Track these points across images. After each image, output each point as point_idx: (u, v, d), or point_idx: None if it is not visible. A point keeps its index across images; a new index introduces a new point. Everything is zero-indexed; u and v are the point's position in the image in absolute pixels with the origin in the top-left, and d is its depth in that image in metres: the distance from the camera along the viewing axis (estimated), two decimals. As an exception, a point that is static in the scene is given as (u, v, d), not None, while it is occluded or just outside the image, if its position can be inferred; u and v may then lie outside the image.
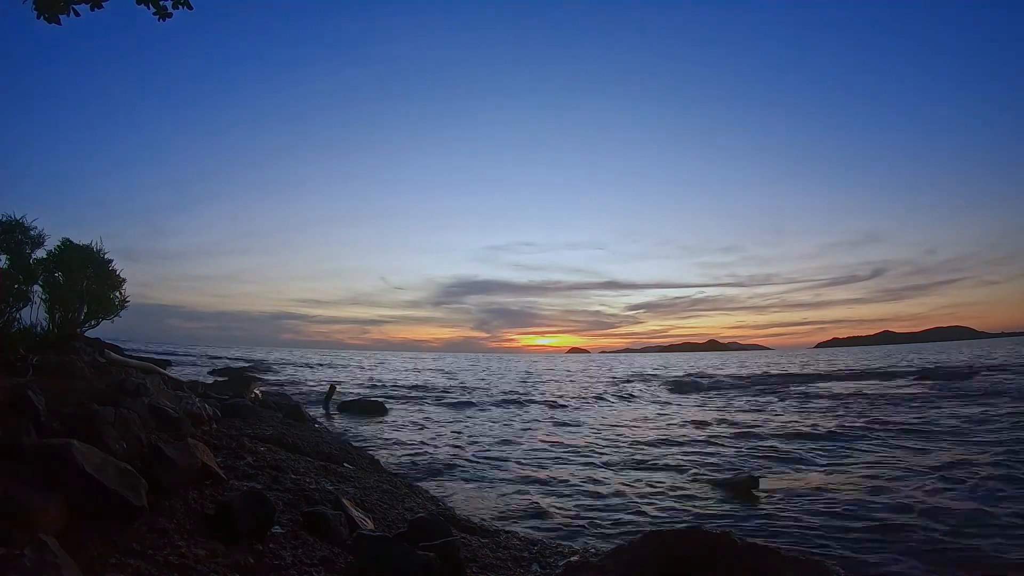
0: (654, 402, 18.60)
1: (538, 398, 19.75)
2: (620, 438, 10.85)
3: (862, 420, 12.36)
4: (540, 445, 10.13)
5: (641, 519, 5.82)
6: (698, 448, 9.71)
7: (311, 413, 12.21)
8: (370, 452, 8.41)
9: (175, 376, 10.59)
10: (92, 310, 7.18)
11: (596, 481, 7.41)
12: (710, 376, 32.42)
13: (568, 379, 32.09)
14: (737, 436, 10.80)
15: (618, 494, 6.79)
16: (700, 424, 12.80)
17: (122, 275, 7.52)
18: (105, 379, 5.37)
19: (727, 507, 6.20)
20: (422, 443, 10.10)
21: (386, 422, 12.91)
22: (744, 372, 35.34)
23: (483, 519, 5.52)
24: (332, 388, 16.93)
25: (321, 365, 41.37)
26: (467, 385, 25.56)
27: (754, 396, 19.55)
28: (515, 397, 19.75)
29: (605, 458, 8.89)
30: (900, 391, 18.70)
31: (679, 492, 6.88)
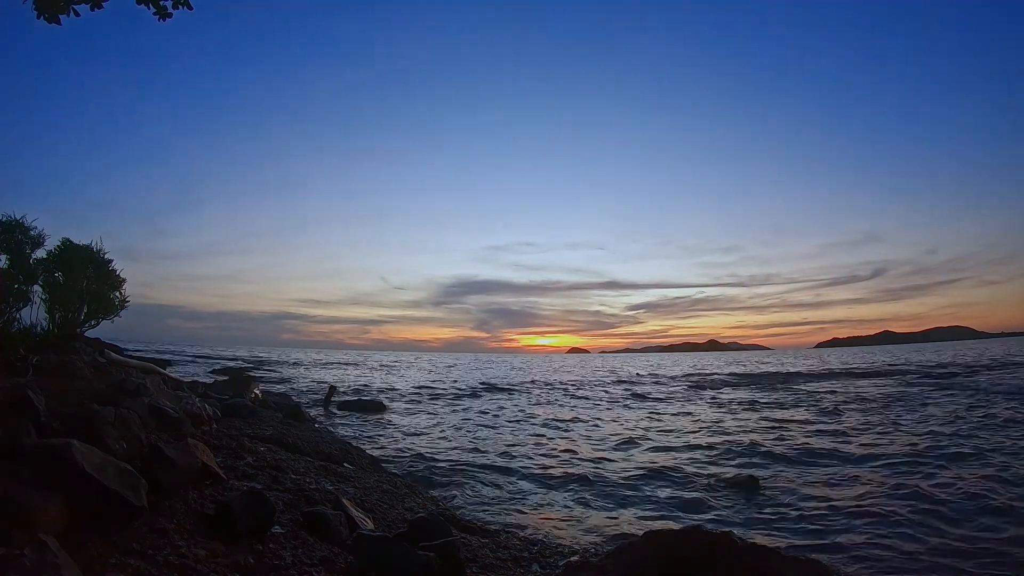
0: (655, 401, 18.59)
1: (537, 396, 19.77)
2: (620, 438, 10.85)
3: (863, 420, 12.36)
4: (540, 445, 10.13)
5: (641, 519, 5.82)
6: (698, 447, 9.71)
7: (311, 413, 12.22)
8: (370, 452, 8.41)
9: (175, 376, 10.59)
10: (92, 310, 7.18)
11: (597, 481, 7.41)
12: (710, 375, 32.44)
13: (568, 377, 32.11)
14: (737, 436, 10.80)
15: (618, 493, 6.79)
16: (699, 423, 12.80)
17: (122, 275, 7.52)
18: (105, 379, 5.37)
19: (727, 507, 6.20)
20: (422, 442, 10.09)
21: (386, 421, 12.92)
22: (744, 371, 35.35)
23: (483, 519, 5.52)
24: (332, 388, 16.94)
25: (321, 365, 41.38)
26: (467, 384, 25.57)
27: (754, 396, 19.55)
28: (516, 397, 19.76)
29: (606, 458, 8.89)
30: (900, 390, 18.69)
31: (679, 492, 6.88)
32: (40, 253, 6.78)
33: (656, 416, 14.61)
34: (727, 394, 20.84)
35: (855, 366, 36.35)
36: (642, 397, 20.35)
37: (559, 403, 18.08)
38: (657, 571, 2.89)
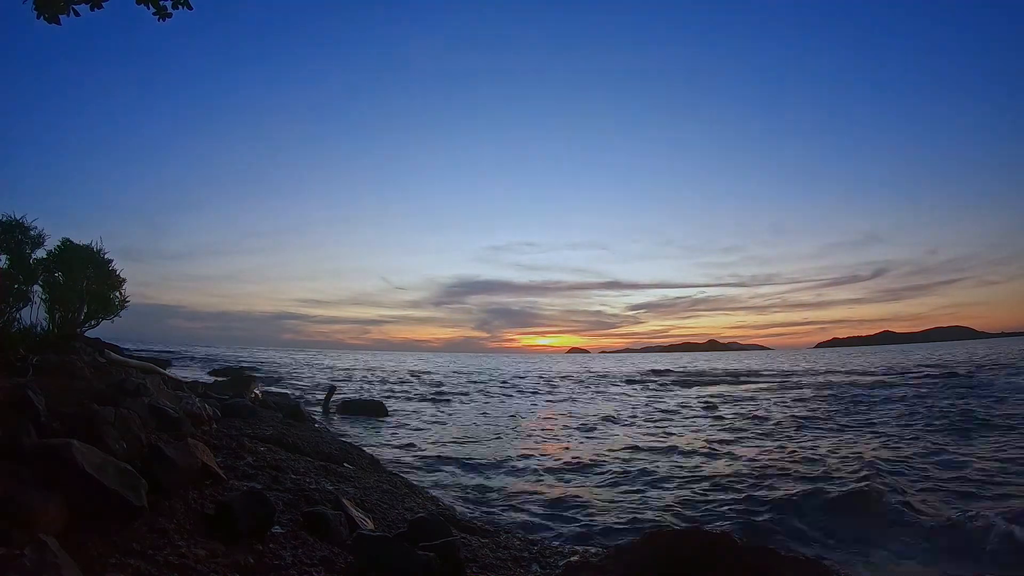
0: (654, 400, 18.59)
1: (538, 395, 19.78)
2: (620, 436, 10.85)
3: (864, 421, 12.36)
4: (540, 443, 10.13)
5: (641, 519, 5.82)
6: (698, 447, 9.70)
7: (311, 413, 12.22)
8: (370, 452, 8.41)
9: (175, 376, 10.59)
10: (92, 310, 7.18)
11: (596, 482, 7.41)
12: (709, 374, 32.44)
13: (565, 376, 32.11)
14: (737, 435, 10.80)
15: (618, 494, 6.79)
16: (699, 423, 12.80)
17: (122, 275, 7.52)
18: (105, 379, 5.37)
19: (727, 507, 6.20)
20: (423, 442, 10.10)
21: (386, 421, 12.92)
22: (744, 371, 35.34)
23: (483, 519, 5.52)
24: (332, 388, 16.93)
25: (322, 365, 41.38)
26: (468, 384, 25.57)
27: (754, 396, 19.54)
28: (516, 397, 19.76)
29: (606, 456, 8.90)
30: (902, 390, 18.69)
31: (679, 492, 6.87)
32: (40, 253, 6.78)
33: (654, 415, 14.60)
34: (725, 393, 20.83)
35: (861, 366, 36.34)
36: (641, 396, 20.34)
37: (555, 400, 18.07)
38: (657, 571, 2.89)
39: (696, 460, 8.67)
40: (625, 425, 12.93)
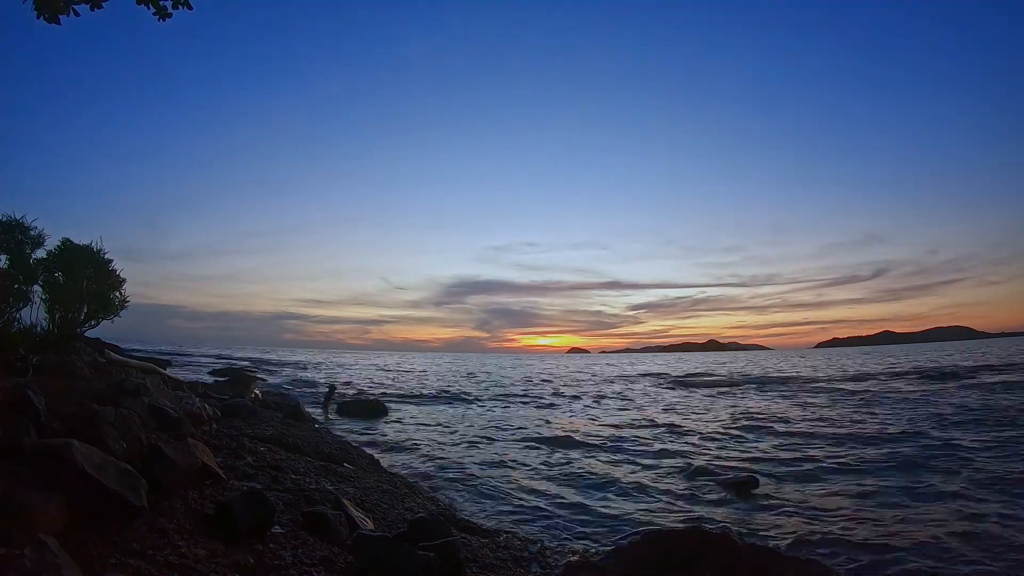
0: (654, 400, 18.60)
1: (535, 395, 19.77)
2: (620, 437, 10.86)
3: (863, 421, 12.36)
4: (540, 443, 10.12)
5: (641, 519, 5.82)
6: (698, 447, 9.71)
7: (311, 413, 12.22)
8: (370, 452, 8.41)
9: (175, 376, 10.59)
10: (92, 310, 7.18)
11: (596, 480, 7.41)
12: (710, 375, 32.44)
13: (562, 376, 32.12)
14: (737, 436, 10.81)
15: (618, 493, 6.79)
16: (699, 424, 12.80)
17: (122, 275, 7.52)
18: (105, 379, 5.37)
19: (727, 507, 6.20)
20: (423, 442, 10.09)
21: (386, 421, 12.92)
22: (744, 371, 35.35)
23: (483, 519, 5.52)
24: (332, 388, 16.95)
25: (322, 365, 41.38)
26: (468, 384, 25.58)
27: (754, 396, 19.55)
28: (515, 395, 19.76)
29: (605, 458, 8.90)
30: (903, 391, 18.69)
31: (679, 491, 6.88)
32: (40, 253, 6.78)
33: (654, 415, 14.61)
34: (725, 394, 20.84)
35: (860, 367, 36.35)
36: (642, 396, 20.35)
37: (549, 401, 18.08)
38: (657, 571, 2.90)
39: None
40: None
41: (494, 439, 10.72)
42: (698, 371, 38.44)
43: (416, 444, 9.96)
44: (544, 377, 33.88)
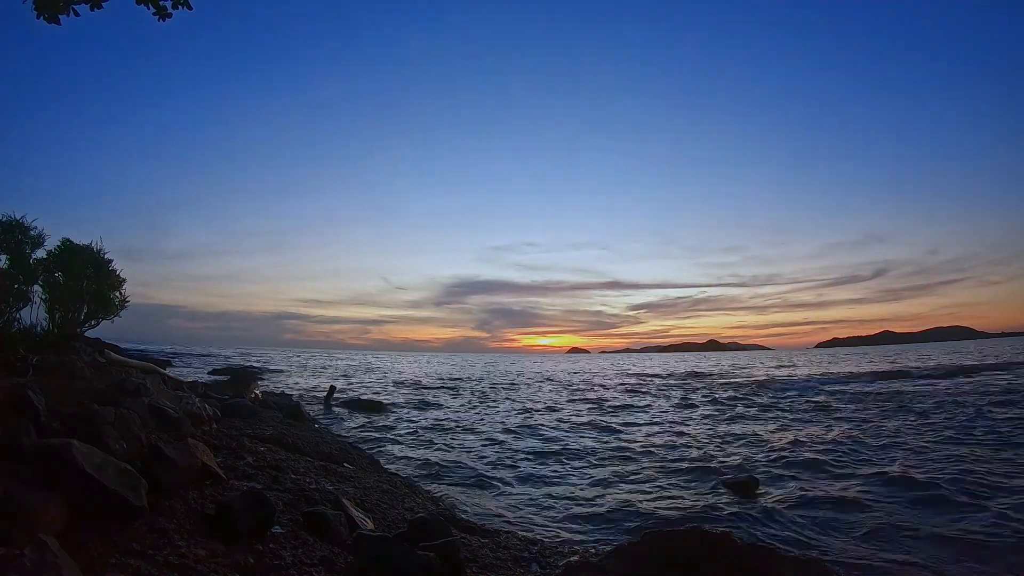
0: (653, 401, 18.60)
1: (533, 394, 19.78)
2: (621, 436, 10.86)
3: (864, 422, 12.36)
4: (540, 443, 10.12)
5: (641, 519, 5.82)
6: (698, 448, 9.71)
7: (311, 413, 12.22)
8: (370, 452, 8.41)
9: (175, 376, 10.59)
10: (92, 310, 7.18)
11: (596, 480, 7.41)
12: (711, 375, 32.45)
13: (552, 379, 32.12)
14: (737, 436, 10.80)
15: (619, 493, 6.79)
16: (699, 424, 12.80)
17: (122, 275, 7.52)
18: (105, 379, 5.37)
19: (727, 507, 6.20)
20: (422, 442, 10.09)
21: (386, 421, 12.91)
22: (745, 371, 35.36)
23: (483, 519, 5.52)
24: (332, 388, 16.96)
25: (322, 365, 41.38)
26: (468, 383, 25.58)
27: (754, 396, 19.54)
28: (515, 394, 19.77)
29: (605, 457, 8.90)
30: (904, 392, 18.69)
31: (679, 492, 6.88)
32: (40, 253, 6.78)
33: (654, 415, 14.60)
34: (726, 394, 20.84)
35: (863, 368, 36.36)
36: (643, 397, 20.33)
37: (546, 403, 18.07)
38: (657, 571, 2.90)
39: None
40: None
41: (495, 437, 10.72)
42: (703, 371, 38.46)
43: (415, 442, 9.96)
44: (539, 374, 33.88)
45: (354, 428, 11.47)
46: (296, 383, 22.45)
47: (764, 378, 28.11)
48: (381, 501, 4.96)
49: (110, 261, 7.34)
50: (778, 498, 6.45)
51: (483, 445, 10.01)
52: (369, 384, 24.45)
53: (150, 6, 3.46)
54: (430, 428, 12.12)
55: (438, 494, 6.50)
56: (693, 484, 7.26)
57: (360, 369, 38.93)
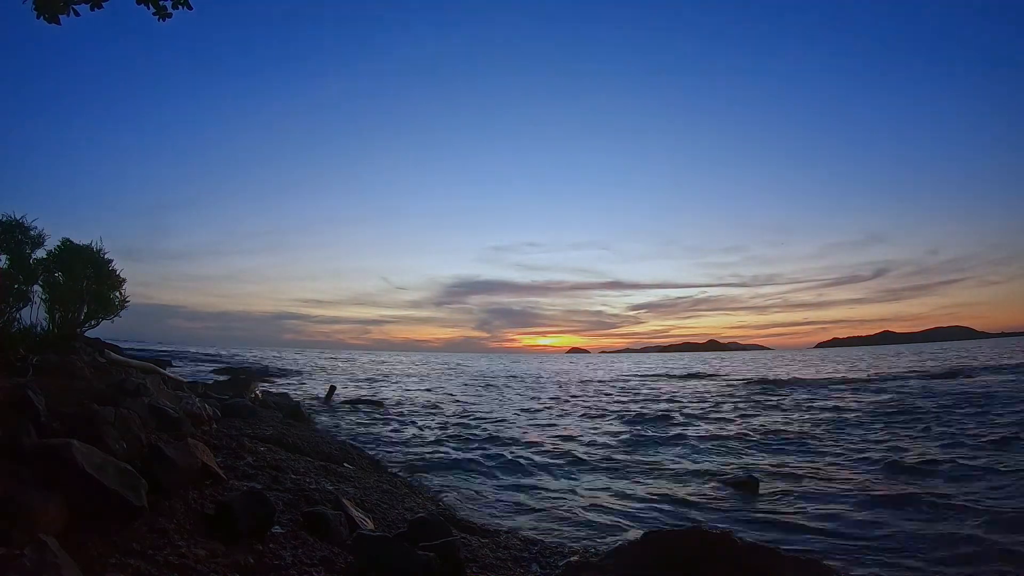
0: (654, 401, 18.59)
1: (533, 391, 19.79)
2: (621, 436, 10.86)
3: (864, 422, 12.36)
4: (540, 442, 10.12)
5: (641, 519, 5.82)
6: (698, 448, 9.71)
7: (311, 413, 12.21)
8: (370, 452, 8.41)
9: (175, 376, 10.59)
10: (92, 310, 7.18)
11: (596, 480, 7.41)
12: (712, 375, 32.46)
13: (547, 377, 32.13)
14: (737, 436, 10.80)
15: (618, 492, 6.79)
16: (699, 424, 12.80)
17: (122, 275, 7.52)
18: (105, 379, 5.37)
19: (727, 507, 6.20)
20: (422, 441, 10.09)
21: (386, 421, 12.91)
22: (745, 371, 35.35)
23: (483, 519, 5.52)
24: (332, 388, 16.96)
25: (322, 365, 41.37)
26: (467, 383, 25.58)
27: (755, 396, 19.54)
28: (515, 393, 19.78)
29: (605, 457, 8.89)
30: (904, 392, 18.68)
31: (679, 492, 6.87)
32: (40, 253, 6.78)
33: (654, 415, 14.60)
34: (726, 394, 20.85)
35: (864, 369, 36.32)
36: (643, 396, 20.34)
37: (542, 401, 18.09)
38: (657, 571, 2.89)
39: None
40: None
41: (496, 437, 10.72)
42: (702, 370, 38.43)
43: (416, 442, 9.95)
44: (534, 369, 33.88)
45: (354, 427, 11.47)
46: (296, 383, 22.46)
47: (772, 378, 28.11)
48: (381, 501, 4.96)
49: (110, 261, 7.34)
50: (779, 497, 6.45)
51: (480, 440, 10.01)
52: (370, 384, 24.45)
53: (150, 6, 3.46)
54: (430, 427, 12.11)
55: (437, 493, 6.50)
56: (693, 483, 7.25)
57: (361, 369, 38.93)
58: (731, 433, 11.17)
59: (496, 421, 13.50)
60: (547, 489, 7.03)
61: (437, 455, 8.89)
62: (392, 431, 11.36)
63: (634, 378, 32.65)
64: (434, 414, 14.70)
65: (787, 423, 12.39)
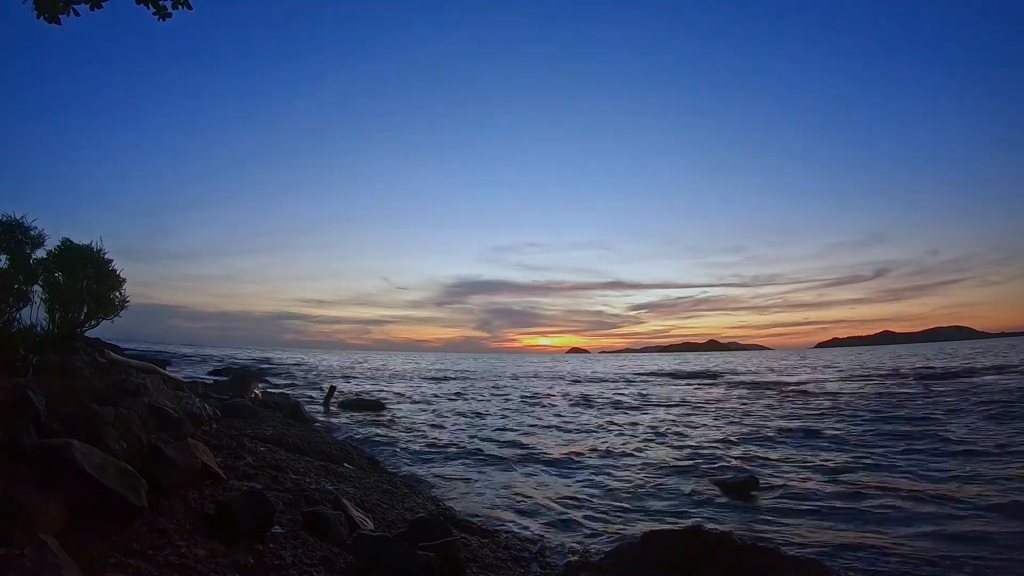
0: (653, 400, 18.60)
1: (534, 391, 19.79)
2: (622, 436, 10.86)
3: (864, 423, 12.36)
4: (539, 442, 10.12)
5: (642, 518, 5.82)
6: (698, 448, 9.70)
7: (311, 413, 12.21)
8: (370, 451, 8.41)
9: (175, 376, 10.59)
10: (92, 310, 7.17)
11: (597, 480, 7.41)
12: (713, 375, 32.47)
13: (540, 376, 32.14)
14: (737, 435, 10.80)
15: (618, 492, 6.79)
16: (699, 424, 12.80)
17: (122, 275, 7.51)
18: (105, 379, 5.38)
19: (727, 507, 6.20)
20: (421, 441, 10.08)
21: (386, 420, 12.91)
22: (745, 371, 35.36)
23: (483, 519, 5.52)
24: (332, 388, 16.95)
25: (322, 365, 41.38)
26: (467, 382, 25.58)
27: (755, 397, 19.54)
28: (514, 392, 19.78)
29: (605, 455, 8.89)
30: (901, 391, 18.68)
31: (679, 492, 6.87)
32: (40, 253, 6.78)
33: (654, 415, 14.61)
34: (726, 393, 20.85)
35: (860, 368, 36.34)
36: (642, 395, 20.34)
37: (541, 402, 18.09)
38: (657, 571, 2.90)
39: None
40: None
41: (488, 435, 10.72)
42: (700, 370, 38.43)
43: (415, 442, 9.95)
44: (528, 372, 33.86)
45: (354, 427, 11.47)
46: (296, 383, 22.46)
47: (772, 378, 28.11)
48: (381, 501, 4.97)
49: (110, 261, 7.34)
50: (779, 497, 6.44)
51: (480, 440, 10.01)
52: (370, 384, 24.46)
53: (150, 6, 3.46)
54: (430, 427, 12.11)
55: (437, 492, 6.50)
56: (692, 482, 7.25)
57: (361, 369, 38.94)
58: (730, 432, 11.17)
59: (496, 420, 13.51)
60: (546, 488, 7.04)
61: (437, 455, 8.89)
62: (392, 431, 11.36)
63: (634, 377, 32.65)
64: (434, 414, 14.70)
65: (787, 423, 12.38)
